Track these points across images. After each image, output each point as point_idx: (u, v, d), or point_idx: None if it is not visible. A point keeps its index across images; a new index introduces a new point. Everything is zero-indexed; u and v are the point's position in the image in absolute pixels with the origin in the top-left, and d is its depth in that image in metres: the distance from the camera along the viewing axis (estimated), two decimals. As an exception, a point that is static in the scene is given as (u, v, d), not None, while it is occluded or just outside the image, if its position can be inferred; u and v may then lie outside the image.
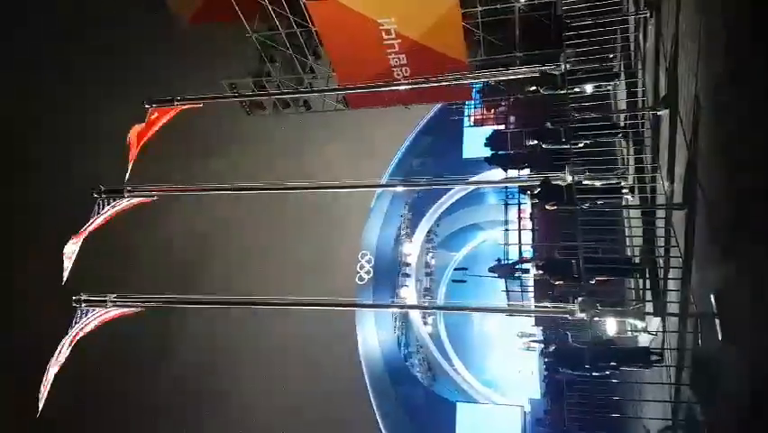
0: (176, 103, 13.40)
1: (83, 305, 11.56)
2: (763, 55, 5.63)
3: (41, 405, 11.53)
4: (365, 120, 30.27)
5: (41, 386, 11.46)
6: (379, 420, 34.52)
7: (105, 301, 11.53)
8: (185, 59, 29.81)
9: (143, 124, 12.97)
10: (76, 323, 11.55)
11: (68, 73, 31.49)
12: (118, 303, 11.58)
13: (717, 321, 7.11)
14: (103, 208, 12.46)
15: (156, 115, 13.20)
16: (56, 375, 11.47)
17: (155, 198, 12.77)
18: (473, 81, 18.26)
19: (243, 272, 33.80)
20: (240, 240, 36.10)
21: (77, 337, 11.59)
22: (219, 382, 34.85)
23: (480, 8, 15.72)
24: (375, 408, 34.95)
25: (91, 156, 29.71)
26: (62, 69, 31.42)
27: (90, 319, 11.52)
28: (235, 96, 18.45)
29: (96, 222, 12.34)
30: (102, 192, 12.48)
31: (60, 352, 11.50)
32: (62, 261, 12.19)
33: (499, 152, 17.03)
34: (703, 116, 7.80)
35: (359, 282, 36.76)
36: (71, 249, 12.15)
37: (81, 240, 12.27)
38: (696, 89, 8.04)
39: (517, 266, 18.22)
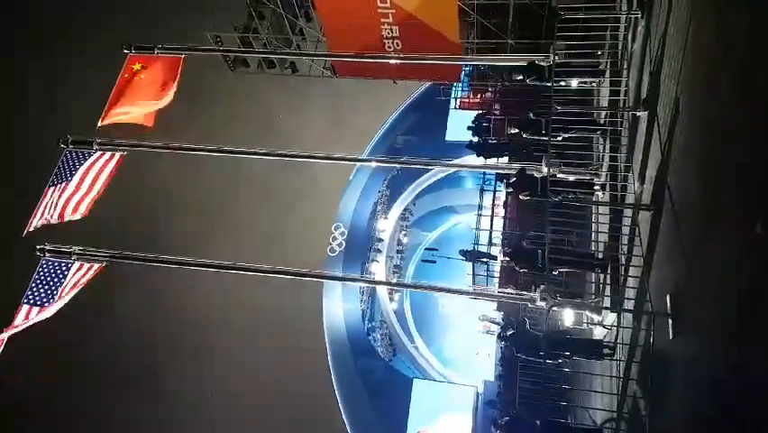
0: (156, 51, 12.99)
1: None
2: (735, 71, 5.77)
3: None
4: (351, 90, 29.96)
5: None
6: (336, 390, 35.01)
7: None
8: (170, 11, 28.96)
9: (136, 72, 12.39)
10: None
11: (40, 19, 30.24)
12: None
13: (669, 321, 7.37)
14: (73, 161, 11.94)
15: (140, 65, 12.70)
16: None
17: (125, 153, 12.25)
18: (463, 62, 18.20)
19: (214, 236, 33.49)
20: (213, 203, 35.66)
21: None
22: (183, 345, 34.72)
23: (476, -10, 15.67)
24: (333, 377, 35.41)
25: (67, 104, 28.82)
26: (35, 15, 30.15)
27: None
28: (220, 50, 18.01)
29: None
30: (69, 143, 11.97)
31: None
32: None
33: (480, 139, 17.18)
34: (680, 123, 7.96)
35: (330, 254, 36.85)
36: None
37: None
38: (676, 95, 8.18)
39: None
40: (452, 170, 34.56)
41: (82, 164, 11.79)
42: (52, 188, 11.55)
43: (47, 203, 11.36)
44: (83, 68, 29.17)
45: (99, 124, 12.24)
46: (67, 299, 10.96)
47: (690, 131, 7.59)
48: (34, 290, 10.89)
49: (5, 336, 10.45)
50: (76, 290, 11.02)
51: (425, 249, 43.18)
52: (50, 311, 10.81)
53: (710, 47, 7.03)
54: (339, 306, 37.54)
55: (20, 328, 10.64)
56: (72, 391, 31.49)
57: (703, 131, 7.15)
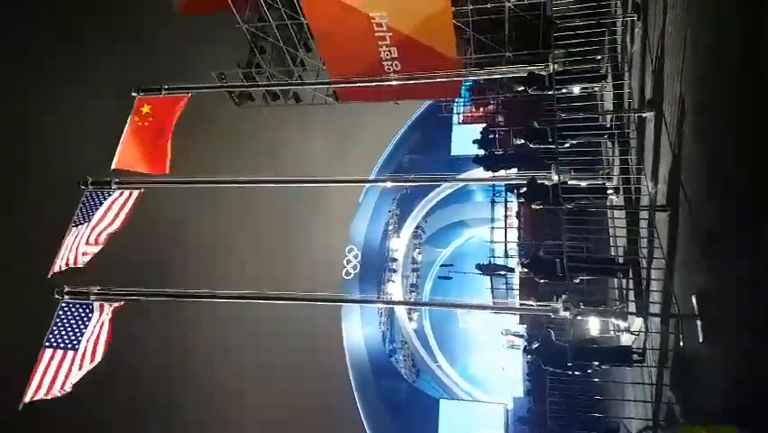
0: (163, 92, 13.23)
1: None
2: (744, 60, 5.71)
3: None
4: (355, 114, 30.14)
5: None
6: (362, 416, 34.60)
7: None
8: (172, 50, 29.42)
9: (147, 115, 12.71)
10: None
11: (49, 61, 30.80)
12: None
13: (698, 323, 7.20)
14: (93, 201, 12.23)
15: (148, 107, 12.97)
16: None
17: (142, 189, 12.54)
18: (462, 78, 18.28)
19: (229, 266, 33.53)
20: (227, 233, 35.79)
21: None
22: (200, 373, 34.56)
23: (470, 6, 15.77)
24: (358, 403, 35.02)
25: (77, 147, 29.18)
26: (42, 57, 30.73)
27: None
28: (224, 87, 18.29)
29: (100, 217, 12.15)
30: (89, 184, 12.30)
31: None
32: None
33: (487, 152, 17.16)
34: (687, 120, 7.89)
35: (345, 277, 36.77)
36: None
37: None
38: (681, 92, 8.12)
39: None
40: (461, 184, 34.57)
41: (102, 204, 12.10)
42: (75, 229, 11.82)
43: (69, 243, 11.57)
44: (91, 107, 29.60)
45: (112, 168, 12.55)
46: (103, 343, 11.00)
47: (699, 128, 7.52)
48: (56, 333, 10.75)
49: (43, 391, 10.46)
50: (104, 333, 11.03)
51: (441, 265, 42.97)
52: (87, 358, 10.79)
53: (710, 41, 6.99)
54: (358, 329, 37.31)
55: (67, 383, 10.60)
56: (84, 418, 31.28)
57: (711, 126, 7.08)
